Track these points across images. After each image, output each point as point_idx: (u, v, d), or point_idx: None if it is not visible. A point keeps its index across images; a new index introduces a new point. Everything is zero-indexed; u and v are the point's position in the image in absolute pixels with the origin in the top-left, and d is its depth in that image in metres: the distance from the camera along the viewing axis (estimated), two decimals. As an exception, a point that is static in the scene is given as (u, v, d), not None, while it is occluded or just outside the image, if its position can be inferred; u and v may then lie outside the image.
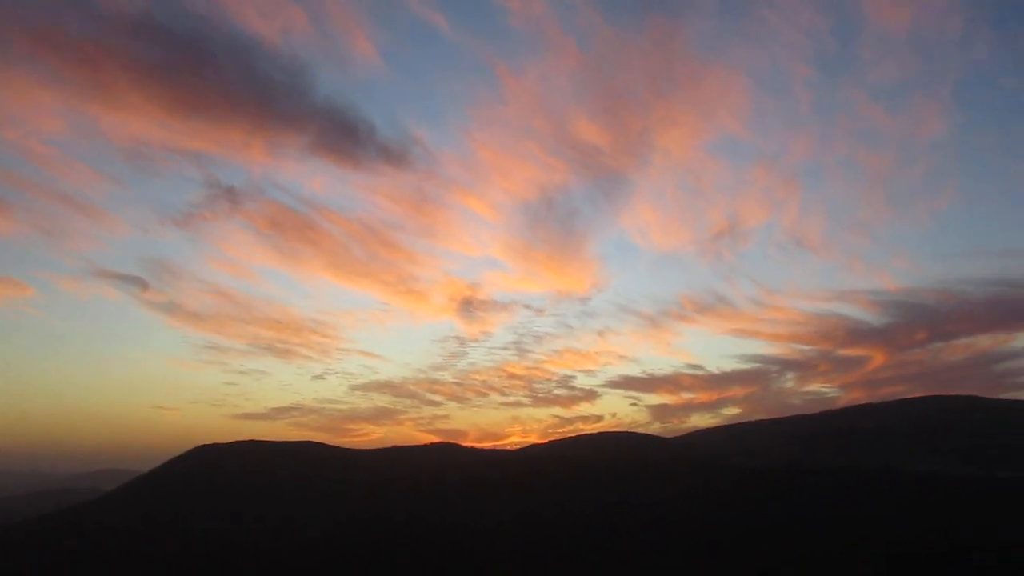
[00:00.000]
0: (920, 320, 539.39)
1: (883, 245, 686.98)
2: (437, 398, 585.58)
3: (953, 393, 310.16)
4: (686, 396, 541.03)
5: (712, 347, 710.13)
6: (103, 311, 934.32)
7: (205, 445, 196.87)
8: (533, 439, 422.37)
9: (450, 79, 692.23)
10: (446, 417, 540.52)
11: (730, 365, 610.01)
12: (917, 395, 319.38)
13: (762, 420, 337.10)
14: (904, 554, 58.14)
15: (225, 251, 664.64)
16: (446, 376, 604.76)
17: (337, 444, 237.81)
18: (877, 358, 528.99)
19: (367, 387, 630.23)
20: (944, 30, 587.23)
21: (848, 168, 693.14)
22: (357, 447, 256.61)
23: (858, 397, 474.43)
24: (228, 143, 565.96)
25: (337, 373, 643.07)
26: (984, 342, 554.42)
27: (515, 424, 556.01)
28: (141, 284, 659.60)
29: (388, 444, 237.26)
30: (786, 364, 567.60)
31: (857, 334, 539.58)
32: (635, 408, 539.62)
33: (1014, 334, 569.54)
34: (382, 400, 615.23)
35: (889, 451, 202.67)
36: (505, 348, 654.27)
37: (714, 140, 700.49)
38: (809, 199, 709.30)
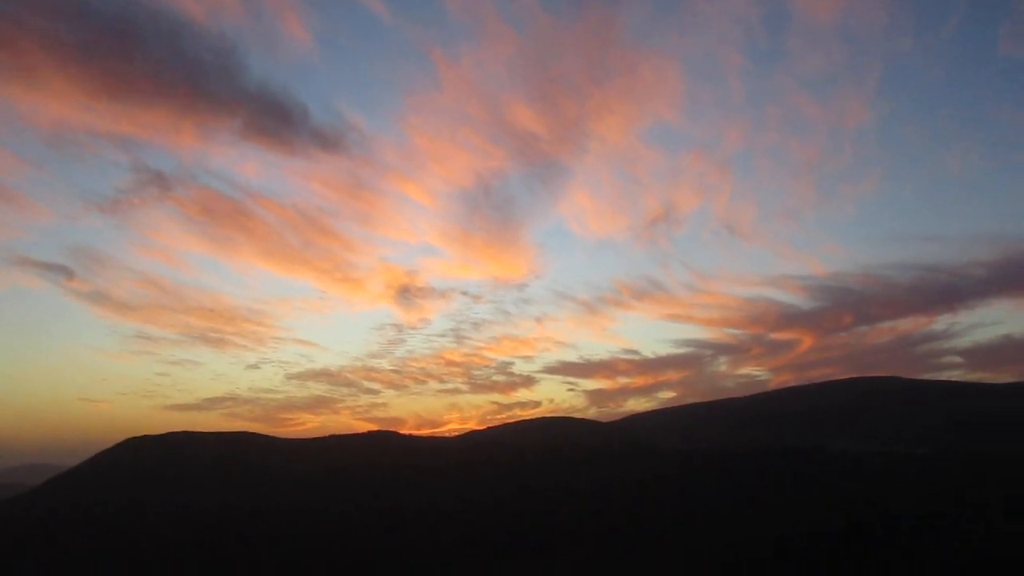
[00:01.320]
0: (846, 304, 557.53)
1: (811, 231, 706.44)
2: (375, 386, 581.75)
3: (877, 374, 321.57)
4: (622, 381, 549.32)
5: (647, 332, 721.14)
6: (25, 301, 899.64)
7: (135, 437, 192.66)
8: (472, 426, 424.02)
9: (386, 64, 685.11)
10: (384, 405, 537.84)
11: (665, 350, 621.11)
12: (844, 377, 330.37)
13: (696, 403, 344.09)
14: (828, 532, 60.24)
15: (154, 238, 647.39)
16: (384, 364, 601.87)
17: (273, 434, 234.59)
18: (806, 341, 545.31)
19: (303, 376, 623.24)
20: (870, 21, 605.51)
21: (778, 156, 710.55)
22: (293, 436, 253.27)
23: (788, 379, 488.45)
24: (156, 127, 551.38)
25: (272, 362, 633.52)
26: (906, 325, 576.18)
27: (453, 411, 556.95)
28: (66, 273, 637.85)
29: (325, 433, 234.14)
30: (719, 348, 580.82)
31: (787, 318, 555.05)
32: (572, 393, 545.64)
33: (934, 317, 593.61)
34: (319, 389, 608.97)
35: (817, 432, 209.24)
36: (443, 335, 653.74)
37: (649, 127, 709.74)
38: (740, 186, 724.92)
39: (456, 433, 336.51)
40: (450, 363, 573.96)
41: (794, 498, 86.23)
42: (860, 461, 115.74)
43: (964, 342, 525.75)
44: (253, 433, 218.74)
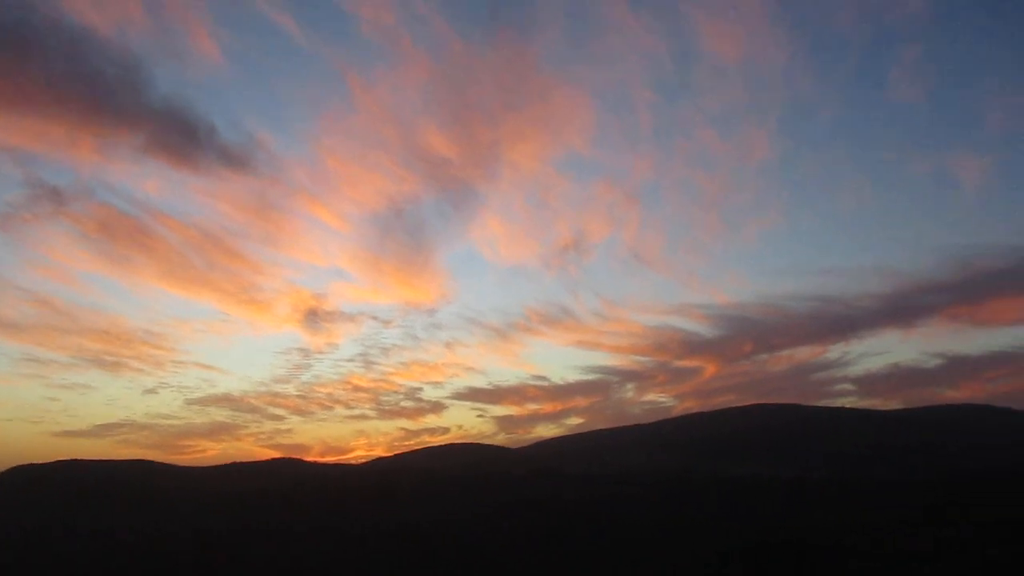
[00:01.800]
0: (748, 333, 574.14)
1: (716, 262, 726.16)
2: (279, 412, 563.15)
3: (776, 401, 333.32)
4: (531, 407, 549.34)
5: (557, 359, 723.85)
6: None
7: (21, 465, 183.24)
8: (379, 452, 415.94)
9: (298, 84, 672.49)
10: (289, 431, 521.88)
11: (574, 376, 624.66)
12: (744, 403, 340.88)
13: (603, 429, 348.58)
14: (732, 555, 61.60)
15: (47, 256, 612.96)
16: (289, 389, 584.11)
17: (170, 461, 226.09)
18: (709, 369, 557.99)
19: (204, 401, 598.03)
20: (771, 61, 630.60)
21: (685, 189, 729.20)
22: (192, 464, 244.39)
23: (692, 406, 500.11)
24: (52, 140, 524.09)
25: (171, 387, 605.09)
26: (803, 353, 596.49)
27: (361, 437, 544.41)
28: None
29: (227, 460, 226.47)
30: (626, 375, 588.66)
31: (691, 346, 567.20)
32: (481, 419, 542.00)
33: (828, 346, 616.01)
34: (220, 415, 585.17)
35: (719, 457, 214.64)
36: (351, 360, 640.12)
37: (561, 156, 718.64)
38: (649, 217, 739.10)
39: (363, 460, 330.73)
40: (358, 388, 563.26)
41: (699, 521, 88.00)
42: (761, 486, 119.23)
43: (856, 370, 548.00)
44: (148, 461, 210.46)
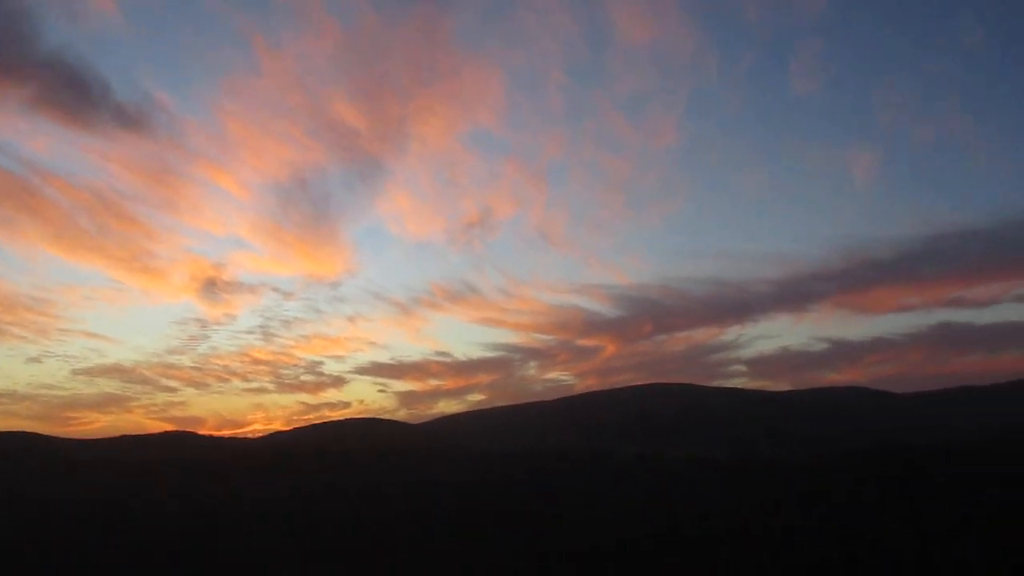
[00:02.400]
0: (647, 314, 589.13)
1: (619, 243, 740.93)
2: (173, 384, 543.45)
3: (673, 381, 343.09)
4: (434, 383, 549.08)
5: (461, 335, 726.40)
6: None
7: None
8: (277, 426, 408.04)
9: (201, 45, 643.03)
10: (182, 404, 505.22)
11: (477, 353, 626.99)
12: (642, 383, 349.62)
13: (505, 406, 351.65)
14: (639, 535, 62.66)
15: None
16: (184, 360, 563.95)
17: (54, 434, 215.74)
18: (609, 348, 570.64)
19: (92, 372, 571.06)
20: (678, 48, 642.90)
21: (593, 170, 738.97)
22: (78, 436, 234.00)
23: (592, 384, 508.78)
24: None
25: (57, 356, 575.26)
26: (700, 335, 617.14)
27: (258, 411, 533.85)
28: None
29: (116, 433, 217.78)
30: (529, 353, 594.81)
31: (593, 325, 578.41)
32: (383, 395, 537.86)
33: (724, 328, 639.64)
34: (110, 386, 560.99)
35: (615, 434, 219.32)
36: (250, 332, 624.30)
37: (470, 132, 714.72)
38: (555, 197, 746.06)
39: (260, 434, 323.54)
40: (257, 361, 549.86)
41: (601, 499, 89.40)
42: (649, 462, 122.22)
43: (749, 352, 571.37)
44: (30, 433, 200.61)
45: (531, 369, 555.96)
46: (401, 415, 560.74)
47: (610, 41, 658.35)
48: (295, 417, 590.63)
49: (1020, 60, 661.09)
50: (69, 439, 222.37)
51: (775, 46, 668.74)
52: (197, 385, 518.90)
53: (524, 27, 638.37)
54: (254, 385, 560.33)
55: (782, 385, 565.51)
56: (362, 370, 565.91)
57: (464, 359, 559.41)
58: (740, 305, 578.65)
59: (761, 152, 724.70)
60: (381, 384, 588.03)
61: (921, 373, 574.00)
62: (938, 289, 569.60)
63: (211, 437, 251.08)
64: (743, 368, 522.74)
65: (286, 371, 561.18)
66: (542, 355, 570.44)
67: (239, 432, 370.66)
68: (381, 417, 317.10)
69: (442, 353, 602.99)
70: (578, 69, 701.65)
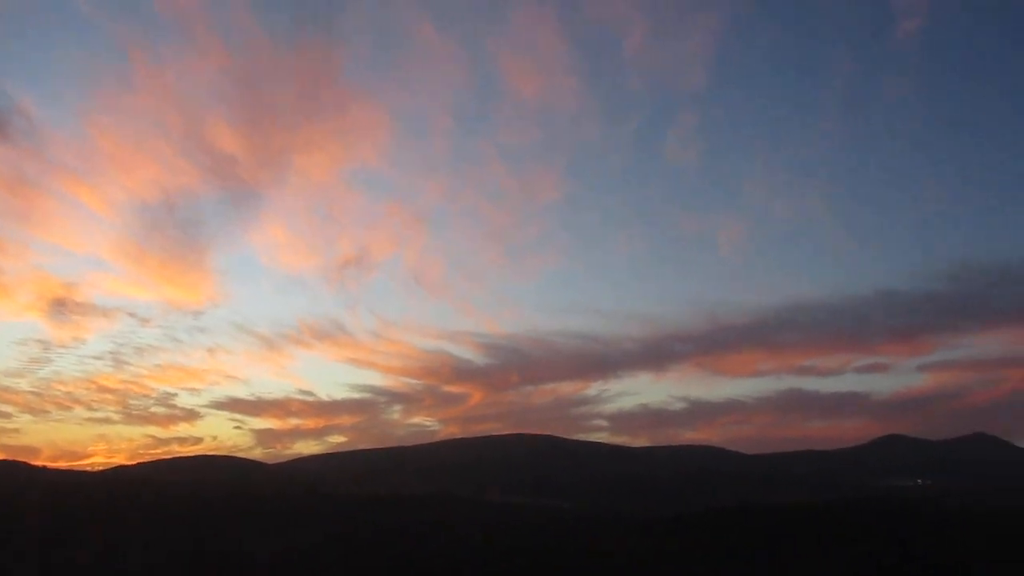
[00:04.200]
0: (516, 364, 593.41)
1: (494, 293, 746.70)
2: (7, 408, 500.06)
3: (536, 432, 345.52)
4: (293, 422, 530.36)
5: (326, 374, 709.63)
6: None
7: None
8: (121, 460, 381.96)
9: (73, 51, 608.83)
10: (16, 431, 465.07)
11: (341, 393, 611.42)
12: (506, 432, 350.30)
13: (366, 449, 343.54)
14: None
15: None
16: (21, 384, 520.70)
17: None
18: (476, 396, 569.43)
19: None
20: (564, 106, 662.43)
21: (473, 218, 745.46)
22: None
23: (455, 431, 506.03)
24: None
25: None
26: (565, 388, 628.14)
27: (101, 443, 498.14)
28: None
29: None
30: (395, 396, 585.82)
31: (461, 372, 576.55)
32: (239, 432, 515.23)
33: (589, 383, 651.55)
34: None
35: (477, 482, 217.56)
36: (99, 357, 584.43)
37: (352, 170, 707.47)
38: (434, 241, 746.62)
39: (101, 468, 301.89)
40: (104, 389, 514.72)
41: (458, 544, 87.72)
42: (518, 512, 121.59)
43: (610, 408, 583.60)
44: None
45: (395, 413, 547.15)
46: (257, 454, 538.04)
47: (498, 92, 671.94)
48: (141, 451, 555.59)
49: (875, 149, 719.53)
50: None
51: (656, 114, 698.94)
52: (34, 411, 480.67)
53: (414, 71, 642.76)
54: (99, 414, 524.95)
55: (641, 441, 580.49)
56: (219, 404, 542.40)
57: (327, 399, 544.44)
58: (605, 361, 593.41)
59: (636, 214, 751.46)
60: (238, 420, 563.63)
61: (770, 436, 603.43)
62: (790, 357, 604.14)
63: (45, 469, 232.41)
64: (604, 423, 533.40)
65: (135, 401, 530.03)
66: (408, 399, 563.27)
67: (77, 464, 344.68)
68: (235, 455, 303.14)
69: (305, 392, 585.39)
70: (465, 117, 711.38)
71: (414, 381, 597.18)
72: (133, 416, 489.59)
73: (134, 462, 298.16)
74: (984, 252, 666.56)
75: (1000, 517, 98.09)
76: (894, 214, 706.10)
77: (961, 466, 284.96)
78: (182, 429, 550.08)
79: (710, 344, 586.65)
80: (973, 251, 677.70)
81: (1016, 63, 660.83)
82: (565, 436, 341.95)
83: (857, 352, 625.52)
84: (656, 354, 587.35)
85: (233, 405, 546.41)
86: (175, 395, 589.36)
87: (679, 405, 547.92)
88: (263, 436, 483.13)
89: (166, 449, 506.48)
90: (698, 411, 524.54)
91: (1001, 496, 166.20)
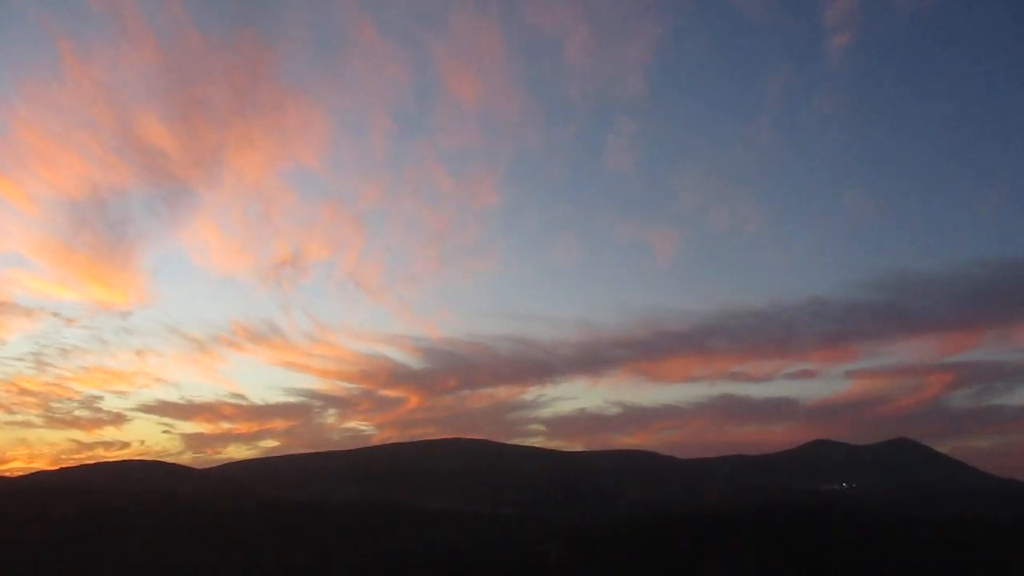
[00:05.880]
0: (453, 368, 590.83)
1: (431, 296, 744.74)
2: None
3: (473, 436, 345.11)
4: (225, 426, 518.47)
5: (259, 377, 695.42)
6: None
7: None
8: (41, 465, 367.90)
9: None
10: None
11: (275, 397, 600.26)
12: (443, 437, 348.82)
13: (300, 454, 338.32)
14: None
15: None
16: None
17: None
18: (413, 400, 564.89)
19: None
20: (505, 111, 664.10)
21: (411, 221, 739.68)
22: None
23: (391, 436, 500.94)
24: None
25: None
26: (503, 393, 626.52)
27: (21, 447, 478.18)
28: None
29: None
30: (330, 400, 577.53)
31: (398, 376, 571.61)
32: (167, 436, 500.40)
33: (526, 388, 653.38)
34: None
35: (413, 487, 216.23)
36: (20, 359, 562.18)
37: (289, 170, 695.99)
38: (371, 244, 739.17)
39: (20, 473, 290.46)
40: (24, 391, 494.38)
41: (383, 549, 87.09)
42: (452, 516, 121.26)
43: (547, 412, 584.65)
44: None
45: (330, 417, 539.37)
46: (186, 459, 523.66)
47: (438, 94, 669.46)
48: (64, 456, 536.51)
49: (807, 159, 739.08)
50: None
51: (595, 121, 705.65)
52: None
53: (353, 70, 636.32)
54: (19, 418, 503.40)
55: (577, 445, 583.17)
56: (147, 408, 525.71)
57: (261, 403, 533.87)
58: (542, 366, 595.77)
59: (575, 220, 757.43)
60: (166, 424, 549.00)
61: (703, 440, 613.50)
62: (723, 362, 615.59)
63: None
64: (541, 427, 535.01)
65: (58, 404, 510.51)
66: (343, 403, 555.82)
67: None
68: (163, 460, 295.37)
69: (237, 395, 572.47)
70: (404, 117, 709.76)
71: (350, 385, 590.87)
72: (56, 420, 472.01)
73: (56, 467, 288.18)
74: (910, 262, 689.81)
75: (916, 523, 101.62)
76: (825, 225, 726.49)
77: (884, 470, 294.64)
78: (108, 433, 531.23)
79: (646, 350, 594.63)
80: (899, 261, 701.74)
81: (946, 74, 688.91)
82: (502, 441, 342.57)
83: (787, 358, 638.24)
84: (593, 359, 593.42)
85: (162, 409, 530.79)
86: (101, 398, 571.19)
87: (615, 410, 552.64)
88: (193, 440, 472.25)
89: (90, 454, 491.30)
90: (634, 416, 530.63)
91: (919, 501, 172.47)
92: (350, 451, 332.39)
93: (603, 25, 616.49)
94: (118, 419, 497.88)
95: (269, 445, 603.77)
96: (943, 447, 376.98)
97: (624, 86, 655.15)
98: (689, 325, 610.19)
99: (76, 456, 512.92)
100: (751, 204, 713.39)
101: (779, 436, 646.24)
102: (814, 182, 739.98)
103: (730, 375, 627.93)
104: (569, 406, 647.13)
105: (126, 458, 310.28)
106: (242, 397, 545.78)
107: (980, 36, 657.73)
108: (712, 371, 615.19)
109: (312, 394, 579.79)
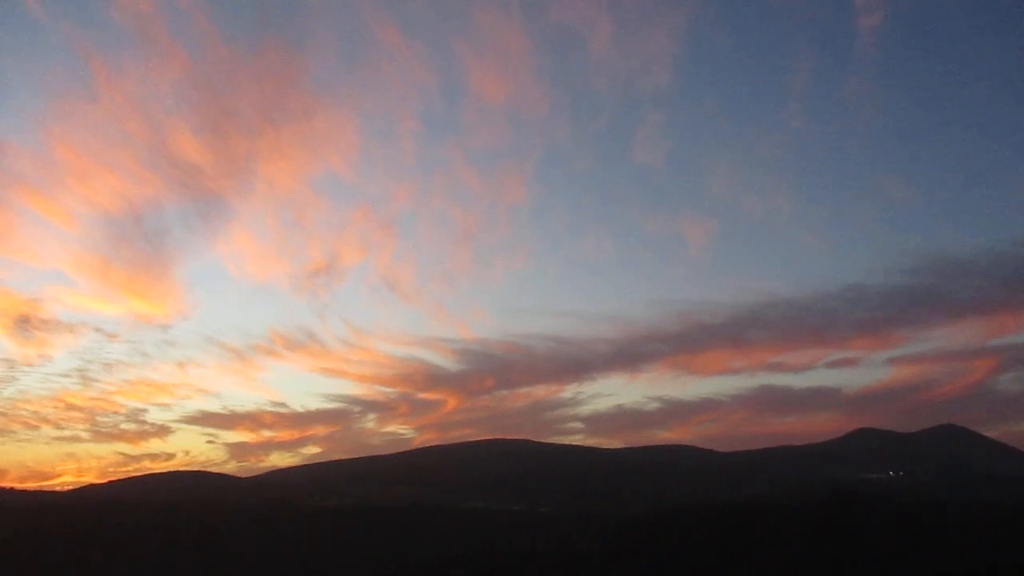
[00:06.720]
0: (490, 368, 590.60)
1: (465, 297, 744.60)
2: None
3: (511, 437, 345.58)
4: (267, 434, 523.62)
5: (298, 384, 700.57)
6: None
7: None
8: (90, 479, 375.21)
9: (30, 59, 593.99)
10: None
11: (315, 404, 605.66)
12: (482, 438, 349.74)
13: (341, 460, 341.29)
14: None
15: None
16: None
17: None
18: (451, 402, 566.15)
19: None
20: (533, 109, 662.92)
21: (441, 222, 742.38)
22: None
23: (431, 438, 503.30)
24: None
25: None
26: (540, 392, 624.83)
27: (70, 462, 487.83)
28: None
29: None
30: (369, 405, 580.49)
31: (435, 379, 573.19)
32: (211, 446, 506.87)
33: (564, 386, 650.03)
34: None
35: (454, 489, 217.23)
36: (66, 375, 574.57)
37: (319, 176, 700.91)
38: (403, 246, 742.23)
39: (70, 487, 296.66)
40: (71, 407, 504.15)
41: (441, 551, 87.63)
42: (493, 517, 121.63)
43: (585, 410, 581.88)
44: None
45: (370, 422, 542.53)
46: (230, 468, 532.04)
47: (466, 94, 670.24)
48: (111, 469, 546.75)
49: (840, 145, 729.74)
50: None
51: (622, 116, 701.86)
52: (0, 432, 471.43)
53: (379, 74, 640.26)
54: (67, 433, 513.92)
55: (616, 442, 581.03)
56: (190, 419, 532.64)
57: (301, 410, 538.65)
58: (579, 363, 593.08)
59: (604, 216, 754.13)
60: (210, 434, 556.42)
61: (744, 432, 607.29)
62: (761, 353, 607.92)
63: (12, 491, 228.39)
64: (580, 425, 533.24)
65: (104, 419, 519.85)
66: (382, 407, 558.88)
67: (46, 485, 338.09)
68: (208, 470, 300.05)
69: (278, 403, 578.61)
70: (432, 119, 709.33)
71: (388, 389, 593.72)
72: (102, 433, 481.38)
73: (104, 480, 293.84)
74: (948, 244, 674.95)
75: (970, 510, 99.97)
76: (860, 210, 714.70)
77: (931, 458, 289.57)
78: (153, 445, 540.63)
79: (682, 343, 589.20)
80: (938, 245, 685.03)
81: (980, 52, 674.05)
82: (541, 440, 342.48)
83: (827, 347, 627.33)
84: (629, 355, 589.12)
85: (205, 419, 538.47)
86: (145, 411, 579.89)
87: (653, 405, 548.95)
88: (236, 449, 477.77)
89: (137, 466, 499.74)
90: (672, 410, 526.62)
91: (969, 487, 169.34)
92: (392, 455, 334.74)
93: (627, 16, 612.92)
94: (163, 431, 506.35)
95: (311, 451, 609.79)
96: (992, 432, 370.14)
97: (651, 77, 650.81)
98: (725, 317, 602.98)
99: (124, 469, 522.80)
100: (783, 191, 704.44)
101: (821, 426, 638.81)
102: (847, 167, 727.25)
103: (769, 366, 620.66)
104: (607, 403, 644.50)
105: (172, 469, 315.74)
106: (282, 405, 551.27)
107: (1014, 10, 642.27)
108: (750, 362, 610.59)
109: (351, 399, 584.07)
